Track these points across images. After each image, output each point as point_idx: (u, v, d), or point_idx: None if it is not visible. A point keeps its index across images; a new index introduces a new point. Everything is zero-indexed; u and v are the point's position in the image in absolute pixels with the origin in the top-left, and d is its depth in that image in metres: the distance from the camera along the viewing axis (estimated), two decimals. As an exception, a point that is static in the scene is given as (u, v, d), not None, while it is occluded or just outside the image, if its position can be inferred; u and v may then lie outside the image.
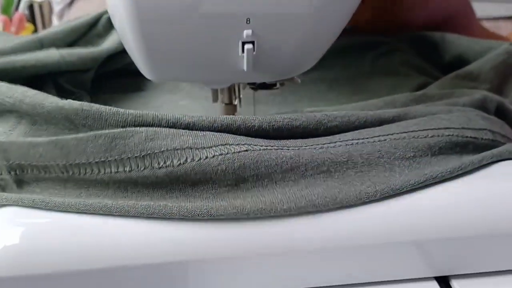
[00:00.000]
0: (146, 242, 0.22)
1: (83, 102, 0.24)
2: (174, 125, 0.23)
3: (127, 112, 0.23)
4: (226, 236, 0.22)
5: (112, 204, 0.22)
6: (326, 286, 0.24)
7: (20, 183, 0.25)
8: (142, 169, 0.22)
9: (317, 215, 0.22)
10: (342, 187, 0.23)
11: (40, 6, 0.85)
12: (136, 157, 0.22)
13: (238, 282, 0.23)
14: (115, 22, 0.28)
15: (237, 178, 0.22)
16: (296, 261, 0.23)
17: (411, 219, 0.23)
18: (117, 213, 0.22)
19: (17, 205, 0.23)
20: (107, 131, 0.23)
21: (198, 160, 0.22)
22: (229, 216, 0.22)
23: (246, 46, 0.25)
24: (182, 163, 0.22)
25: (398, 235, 0.23)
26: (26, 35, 0.40)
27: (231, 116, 0.24)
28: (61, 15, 0.81)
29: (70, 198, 0.23)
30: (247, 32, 0.25)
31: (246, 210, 0.22)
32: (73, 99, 0.25)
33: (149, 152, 0.22)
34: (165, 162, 0.22)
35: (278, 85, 0.32)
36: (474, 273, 0.24)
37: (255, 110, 0.39)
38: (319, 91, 0.42)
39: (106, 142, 0.23)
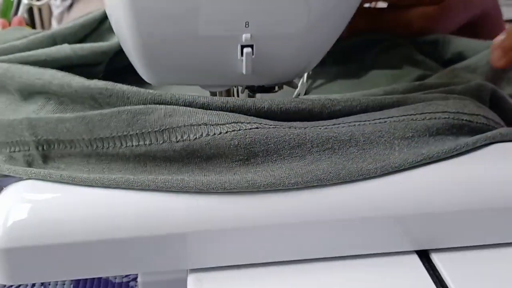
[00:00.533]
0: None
1: (107, 82, 0.25)
2: (190, 104, 0.25)
3: (147, 91, 0.25)
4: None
5: (133, 178, 0.24)
6: (319, 259, 0.26)
7: (46, 159, 0.26)
8: (161, 142, 0.24)
9: (322, 189, 0.24)
10: (345, 164, 0.24)
11: (39, 10, 0.85)
12: (155, 131, 0.24)
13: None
14: (113, 25, 0.29)
15: (248, 153, 0.24)
16: (300, 232, 0.24)
17: (408, 194, 0.25)
18: (138, 187, 0.24)
19: (45, 179, 0.25)
20: (129, 107, 0.24)
21: (213, 135, 0.24)
22: (242, 190, 0.24)
23: (245, 50, 0.25)
24: (197, 137, 0.24)
25: (397, 209, 0.24)
26: (39, 31, 0.40)
27: (242, 98, 0.26)
28: (60, 18, 0.81)
29: (94, 173, 0.25)
30: (246, 36, 0.25)
31: (257, 183, 0.23)
32: None
33: (167, 127, 0.24)
34: (182, 137, 0.24)
35: (276, 88, 0.32)
36: (453, 247, 0.26)
37: None
38: (321, 84, 0.44)
39: (128, 117, 0.24)
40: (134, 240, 0.23)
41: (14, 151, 0.27)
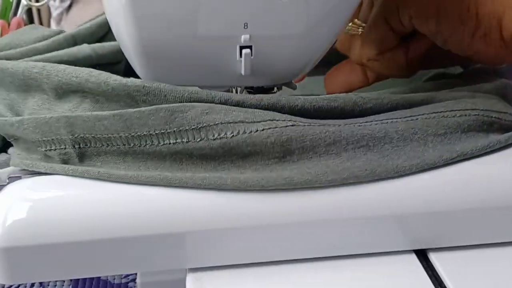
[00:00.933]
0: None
1: (144, 80, 0.26)
2: (225, 102, 0.25)
3: (184, 89, 0.25)
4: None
5: (171, 176, 0.24)
6: (319, 258, 0.26)
7: (82, 157, 0.26)
8: (198, 140, 0.24)
9: (358, 186, 0.24)
10: (380, 161, 0.25)
11: (38, 11, 0.85)
12: (193, 129, 0.24)
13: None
14: (113, 28, 0.29)
15: (284, 151, 0.24)
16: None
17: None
18: (176, 184, 0.24)
19: (83, 176, 0.25)
20: (167, 105, 0.24)
21: (249, 133, 0.24)
22: (279, 187, 0.24)
23: (244, 51, 0.25)
24: (235, 135, 0.24)
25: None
26: (56, 30, 0.41)
27: (276, 95, 0.26)
28: (59, 19, 0.81)
29: (130, 171, 0.25)
30: (244, 37, 0.25)
31: (294, 181, 0.23)
32: None
33: (205, 124, 0.24)
34: (219, 134, 0.24)
35: (275, 89, 0.32)
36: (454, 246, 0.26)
37: None
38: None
39: (166, 115, 0.24)
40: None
41: (50, 150, 0.27)
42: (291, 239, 0.25)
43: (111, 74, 0.26)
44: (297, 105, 0.26)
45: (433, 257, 0.26)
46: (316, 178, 0.24)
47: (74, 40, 0.38)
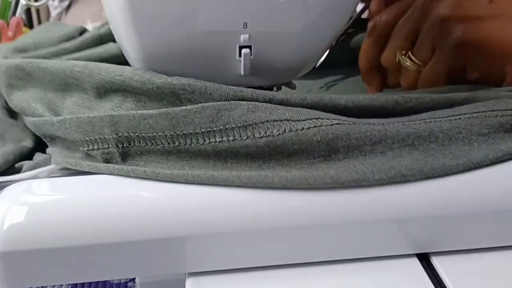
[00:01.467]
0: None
1: (189, 78, 0.25)
2: (270, 100, 0.25)
3: (229, 88, 0.25)
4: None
5: (218, 175, 0.24)
6: (319, 262, 0.25)
7: (125, 156, 0.26)
8: (244, 138, 0.24)
9: (405, 185, 0.24)
10: (427, 160, 0.24)
11: (38, 11, 0.85)
12: (239, 127, 0.24)
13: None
14: (112, 27, 0.28)
15: (330, 149, 0.24)
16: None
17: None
18: (222, 183, 0.24)
19: (129, 175, 0.25)
20: (213, 103, 0.24)
21: (295, 131, 0.24)
22: (326, 185, 0.24)
23: (243, 51, 0.25)
24: (281, 133, 0.24)
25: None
26: (79, 27, 0.41)
27: (319, 94, 0.26)
28: (58, 19, 0.81)
29: (175, 170, 0.25)
30: (244, 37, 0.25)
31: (341, 179, 0.23)
32: None
33: (251, 122, 0.24)
34: (265, 132, 0.24)
35: (275, 89, 0.32)
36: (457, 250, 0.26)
37: None
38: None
39: (212, 113, 0.24)
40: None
41: (92, 149, 0.27)
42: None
43: (155, 73, 0.26)
44: (340, 104, 0.26)
45: (435, 260, 0.26)
46: (363, 176, 0.23)
47: (101, 39, 0.39)
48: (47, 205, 0.24)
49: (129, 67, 0.27)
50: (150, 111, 0.25)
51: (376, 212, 0.24)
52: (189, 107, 0.24)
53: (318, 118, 0.24)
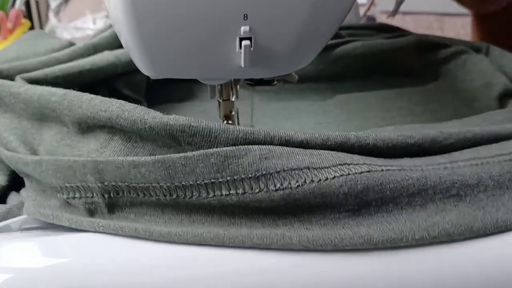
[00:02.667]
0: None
1: (189, 118, 0.21)
2: (287, 142, 0.21)
3: (238, 129, 0.21)
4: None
5: (224, 234, 0.20)
6: None
7: (112, 207, 0.23)
8: (256, 191, 0.20)
9: (452, 245, 0.20)
10: (476, 214, 0.21)
11: (37, 2, 0.85)
12: (250, 177, 0.20)
13: None
14: (111, 17, 0.28)
15: (359, 202, 0.20)
16: None
17: None
18: (230, 244, 0.20)
19: (116, 233, 0.21)
20: (218, 149, 0.21)
21: (318, 182, 0.20)
22: (355, 246, 0.20)
23: (244, 42, 0.25)
24: (300, 184, 0.20)
25: None
26: (66, 43, 0.40)
27: (343, 133, 0.22)
28: (57, 11, 0.80)
29: (172, 226, 0.21)
30: (244, 28, 0.25)
31: (374, 239, 0.20)
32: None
33: (264, 172, 0.20)
34: (282, 184, 0.20)
35: (275, 81, 0.32)
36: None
37: (253, 106, 0.39)
38: (388, 98, 0.41)
39: (218, 161, 0.20)
40: None
41: (74, 198, 0.23)
42: None
43: (148, 109, 0.22)
44: (369, 144, 0.22)
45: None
46: (400, 235, 0.20)
47: (95, 49, 0.37)
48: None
49: (116, 100, 0.23)
50: (143, 159, 0.21)
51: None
52: (190, 154, 0.21)
53: (345, 163, 0.20)
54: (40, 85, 0.29)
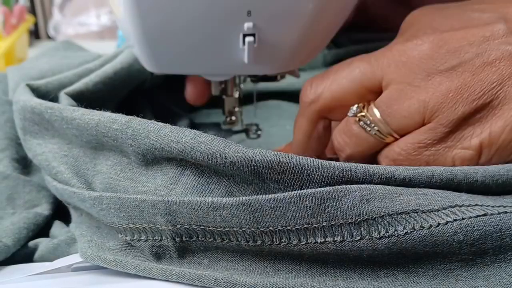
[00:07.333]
0: None
1: (278, 153, 0.19)
2: (388, 181, 0.19)
3: (333, 165, 0.19)
4: None
5: (320, 287, 0.18)
6: None
7: (182, 252, 0.21)
8: (357, 239, 0.18)
9: None
10: None
11: (41, -2, 0.85)
12: (349, 223, 0.18)
13: None
14: (117, 18, 0.28)
15: (475, 251, 0.18)
16: None
17: None
18: None
19: (192, 284, 0.19)
20: (312, 190, 0.18)
21: (429, 228, 0.18)
22: None
23: (247, 39, 0.25)
24: (409, 231, 0.18)
25: None
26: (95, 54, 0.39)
27: (448, 168, 0.20)
28: (62, 7, 0.80)
29: (255, 275, 0.19)
30: (248, 25, 0.25)
31: None
32: (172, 123, 0.21)
33: (366, 217, 0.18)
34: (387, 231, 0.18)
35: (279, 77, 0.32)
36: None
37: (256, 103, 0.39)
38: None
39: (313, 204, 0.18)
40: None
41: (139, 240, 0.21)
42: None
43: (227, 141, 0.19)
44: (477, 181, 0.19)
45: None
46: None
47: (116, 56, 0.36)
48: None
49: (189, 130, 0.20)
50: (224, 200, 0.19)
51: None
52: (280, 196, 0.18)
53: (455, 205, 0.18)
54: (83, 97, 0.27)
